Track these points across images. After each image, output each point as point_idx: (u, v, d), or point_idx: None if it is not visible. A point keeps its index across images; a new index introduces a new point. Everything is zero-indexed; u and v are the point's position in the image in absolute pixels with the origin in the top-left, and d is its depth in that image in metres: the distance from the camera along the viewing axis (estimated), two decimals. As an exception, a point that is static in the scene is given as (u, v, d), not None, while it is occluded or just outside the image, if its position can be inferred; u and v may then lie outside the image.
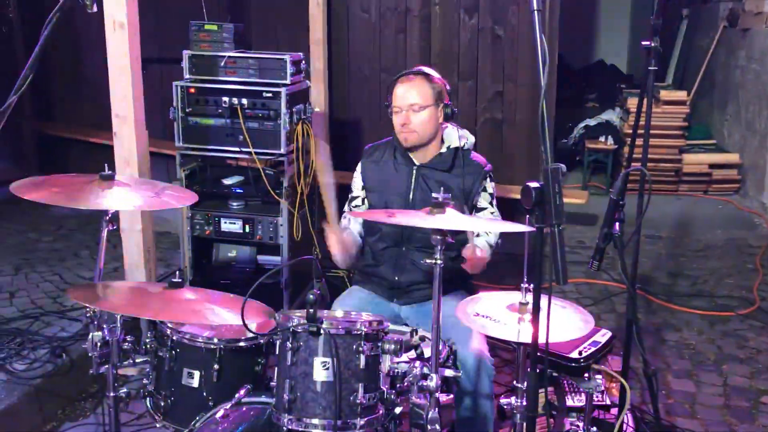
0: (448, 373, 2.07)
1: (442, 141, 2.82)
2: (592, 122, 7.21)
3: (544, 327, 1.76)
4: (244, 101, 3.59)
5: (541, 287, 1.77)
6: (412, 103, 2.69)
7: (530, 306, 1.93)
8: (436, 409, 1.95)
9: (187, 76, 3.70)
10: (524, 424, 1.96)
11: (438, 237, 1.95)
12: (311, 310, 1.87)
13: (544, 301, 1.78)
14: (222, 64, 3.65)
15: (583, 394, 2.63)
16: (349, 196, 2.96)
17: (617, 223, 2.49)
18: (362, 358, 1.92)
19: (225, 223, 3.74)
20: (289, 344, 1.91)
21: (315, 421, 1.89)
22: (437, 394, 1.96)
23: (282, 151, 3.62)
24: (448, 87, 2.78)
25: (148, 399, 2.26)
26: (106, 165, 2.30)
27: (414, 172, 2.79)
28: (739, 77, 6.80)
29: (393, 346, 1.98)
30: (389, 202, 2.80)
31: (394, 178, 2.83)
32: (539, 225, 1.72)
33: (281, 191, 3.66)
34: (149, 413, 2.27)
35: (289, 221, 3.69)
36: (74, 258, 4.75)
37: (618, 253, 2.51)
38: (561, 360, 2.50)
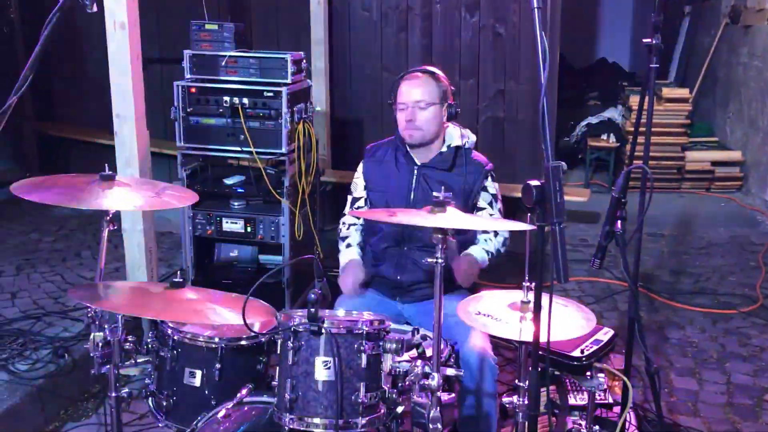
0: (450, 372, 2.06)
1: (444, 140, 2.82)
2: (594, 120, 7.20)
3: (545, 325, 1.75)
4: (245, 101, 3.59)
5: (543, 285, 1.76)
6: (418, 100, 2.69)
7: (532, 304, 1.93)
8: (438, 408, 1.95)
9: (188, 75, 3.70)
10: (526, 423, 1.96)
11: (439, 236, 1.95)
12: (312, 310, 1.87)
13: (545, 299, 1.78)
14: (223, 63, 3.65)
15: (585, 393, 2.63)
16: (351, 197, 2.96)
17: (619, 221, 2.48)
18: (364, 357, 1.92)
19: (226, 222, 3.74)
20: (290, 344, 1.91)
21: (316, 420, 1.89)
22: (439, 393, 1.96)
23: (283, 150, 3.61)
24: (452, 87, 2.79)
25: (149, 399, 2.26)
26: (106, 165, 2.30)
27: (415, 171, 2.79)
28: (742, 74, 6.78)
29: (394, 345, 1.98)
30: (390, 202, 2.80)
31: (396, 178, 2.82)
32: (540, 223, 1.71)
33: (282, 191, 3.66)
34: (151, 413, 2.27)
35: (291, 221, 3.69)
36: (76, 258, 4.75)
37: (620, 251, 2.50)
38: (563, 358, 2.50)
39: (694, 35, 8.01)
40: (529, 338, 1.85)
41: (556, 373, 2.59)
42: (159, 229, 4.03)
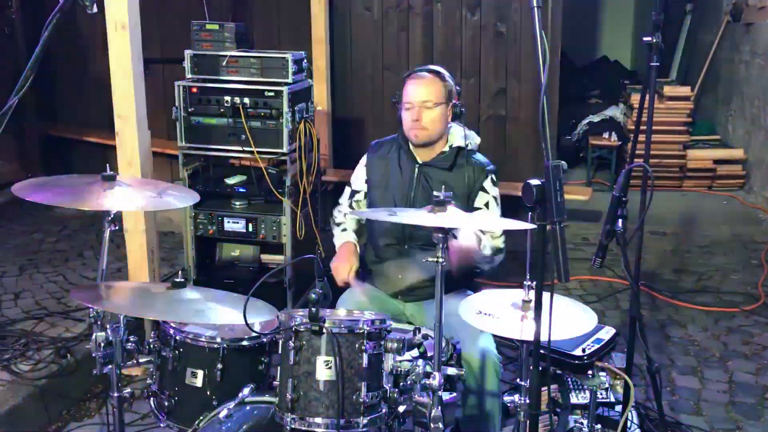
0: (451, 371, 2.06)
1: (447, 140, 2.81)
2: (595, 118, 7.19)
3: (546, 324, 1.76)
4: (247, 100, 3.59)
5: (544, 284, 1.76)
6: (425, 100, 2.69)
7: (533, 303, 1.93)
8: (440, 407, 1.95)
9: (189, 75, 3.70)
10: (528, 422, 1.96)
11: (439, 235, 1.95)
12: (313, 309, 1.87)
13: (546, 298, 1.78)
14: (224, 63, 3.65)
15: (587, 392, 2.63)
16: (350, 189, 2.95)
17: (620, 220, 2.48)
18: (365, 356, 1.92)
19: (228, 222, 3.74)
20: (291, 343, 1.92)
21: (318, 420, 1.89)
22: (440, 393, 1.96)
23: (284, 150, 3.62)
24: (458, 87, 2.78)
25: (151, 399, 2.27)
26: (107, 165, 2.30)
27: (416, 170, 2.79)
28: (743, 72, 6.77)
29: (396, 345, 1.98)
30: (390, 200, 2.80)
31: (397, 176, 2.82)
32: (541, 222, 1.71)
33: (284, 190, 3.66)
34: (153, 413, 2.27)
35: (292, 220, 3.69)
36: (78, 258, 4.76)
37: (621, 249, 2.50)
38: (564, 357, 2.50)
39: (695, 33, 8.00)
40: (531, 337, 1.85)
41: (558, 371, 2.60)
42: (161, 229, 4.02)
